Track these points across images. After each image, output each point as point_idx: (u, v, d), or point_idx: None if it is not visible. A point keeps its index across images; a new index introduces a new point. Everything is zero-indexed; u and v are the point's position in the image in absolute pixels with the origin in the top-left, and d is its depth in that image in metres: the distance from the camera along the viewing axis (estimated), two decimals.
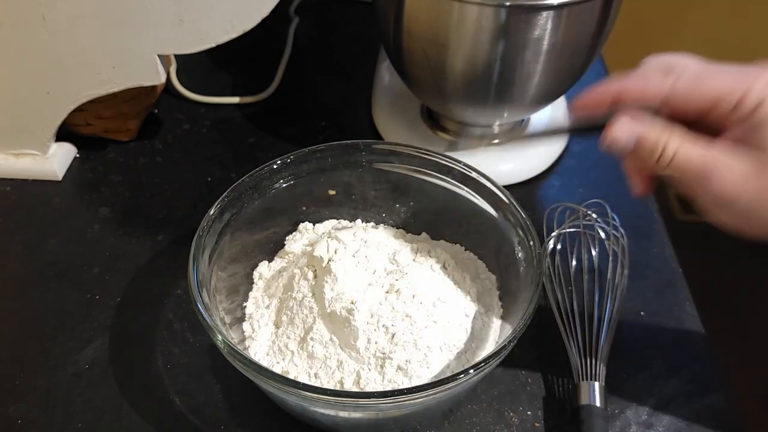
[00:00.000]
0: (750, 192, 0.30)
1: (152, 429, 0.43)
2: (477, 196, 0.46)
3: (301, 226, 0.51)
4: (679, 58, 0.34)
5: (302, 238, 0.50)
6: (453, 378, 0.35)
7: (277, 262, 0.49)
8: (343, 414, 0.38)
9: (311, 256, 0.45)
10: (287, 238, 0.50)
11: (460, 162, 0.47)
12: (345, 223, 0.52)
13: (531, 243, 0.42)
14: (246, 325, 0.45)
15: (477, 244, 0.49)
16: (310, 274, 0.44)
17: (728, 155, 0.31)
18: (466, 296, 0.45)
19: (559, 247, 0.53)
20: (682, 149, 0.32)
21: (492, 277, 0.47)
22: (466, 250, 0.49)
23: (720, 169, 0.31)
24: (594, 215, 0.51)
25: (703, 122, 0.33)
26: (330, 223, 0.51)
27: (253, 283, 0.48)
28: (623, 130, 0.33)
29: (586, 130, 0.37)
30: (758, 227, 0.32)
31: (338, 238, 0.45)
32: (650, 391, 0.45)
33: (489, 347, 0.43)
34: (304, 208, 0.50)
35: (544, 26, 0.47)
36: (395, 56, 0.55)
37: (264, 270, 0.48)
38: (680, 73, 0.33)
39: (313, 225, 0.51)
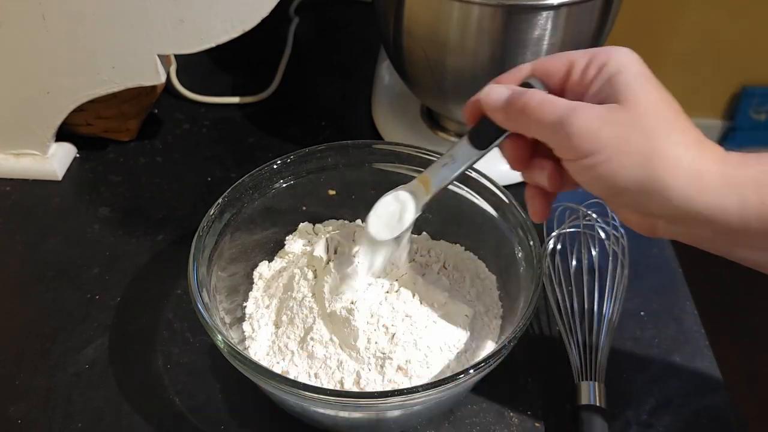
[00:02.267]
0: (603, 138, 0.30)
1: (152, 429, 0.43)
2: (477, 196, 0.46)
3: (301, 226, 0.51)
4: None
5: (302, 238, 0.50)
6: (453, 378, 0.35)
7: (277, 262, 0.49)
8: (343, 414, 0.38)
9: (311, 256, 0.45)
10: (287, 238, 0.50)
11: None
12: (345, 223, 0.52)
13: (531, 243, 0.42)
14: (246, 325, 0.45)
15: (477, 244, 0.49)
16: (310, 274, 0.44)
17: (585, 104, 0.32)
18: (466, 296, 0.45)
19: (559, 247, 0.53)
20: (547, 98, 0.33)
21: (492, 277, 0.47)
22: (466, 250, 0.49)
23: (576, 112, 0.31)
24: (594, 215, 0.51)
25: (566, 96, 0.34)
26: (330, 223, 0.51)
27: (253, 283, 0.48)
28: (499, 85, 0.35)
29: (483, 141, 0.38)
30: (614, 190, 0.31)
31: (338, 238, 0.45)
32: (650, 391, 0.45)
33: (489, 347, 0.43)
34: (304, 208, 0.50)
35: (544, 26, 0.47)
36: (395, 56, 0.55)
37: (264, 270, 0.48)
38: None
39: (313, 225, 0.51)
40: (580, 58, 0.34)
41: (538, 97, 0.33)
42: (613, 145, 0.30)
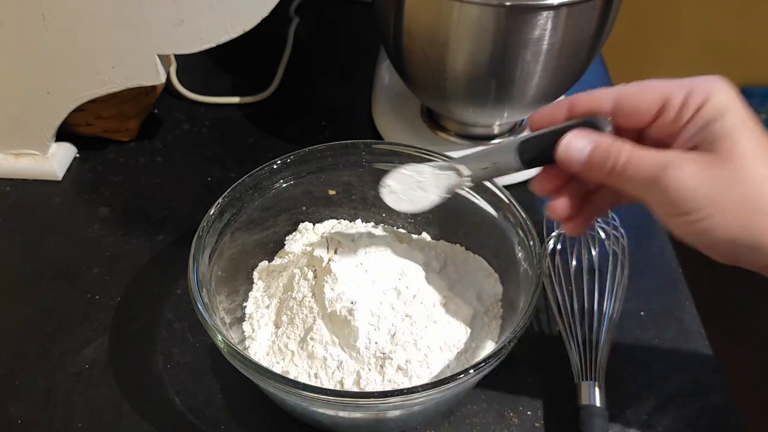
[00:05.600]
0: (703, 195, 0.29)
1: (152, 429, 0.43)
2: (477, 196, 0.46)
3: (301, 226, 0.51)
4: None
5: (302, 238, 0.50)
6: (453, 378, 0.35)
7: (277, 262, 0.49)
8: (343, 414, 0.38)
9: (311, 256, 0.45)
10: (287, 238, 0.50)
11: None
12: (345, 223, 0.52)
13: (531, 243, 0.42)
14: (246, 325, 0.45)
15: (477, 244, 0.49)
16: (310, 274, 0.44)
17: (680, 156, 0.30)
18: (466, 296, 0.45)
19: (559, 247, 0.53)
20: (635, 154, 0.31)
21: (492, 277, 0.47)
22: (466, 250, 0.49)
23: (672, 167, 0.29)
24: None
25: (649, 135, 0.33)
26: (330, 223, 0.51)
27: (253, 283, 0.48)
28: (578, 137, 0.32)
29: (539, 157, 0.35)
30: (711, 242, 0.30)
31: (338, 238, 0.45)
32: (650, 391, 0.45)
33: (489, 347, 0.43)
34: (304, 208, 0.50)
35: (544, 26, 0.47)
36: (395, 56, 0.55)
37: (264, 270, 0.48)
38: (626, 84, 0.33)
39: (313, 225, 0.51)
40: (675, 93, 0.31)
41: (624, 153, 0.31)
42: (713, 202, 0.29)
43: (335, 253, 0.44)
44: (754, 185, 0.29)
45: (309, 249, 0.47)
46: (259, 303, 0.46)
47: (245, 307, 0.46)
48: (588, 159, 0.32)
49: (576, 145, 0.32)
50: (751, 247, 0.29)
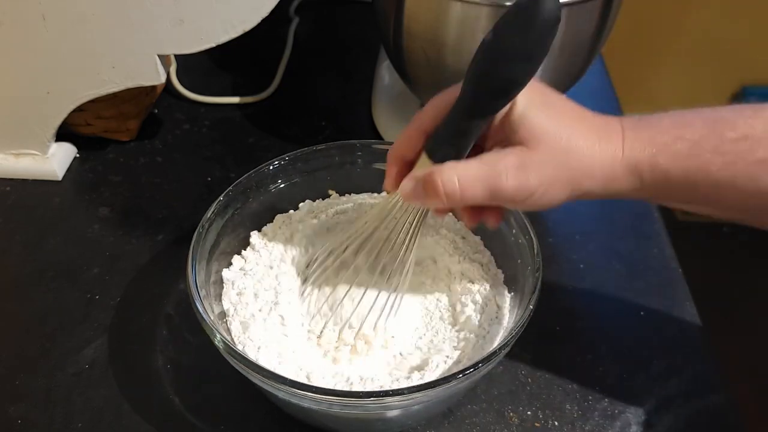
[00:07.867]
0: (534, 182, 0.33)
1: (152, 429, 0.43)
2: None
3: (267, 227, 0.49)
4: None
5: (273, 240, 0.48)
6: (452, 378, 0.35)
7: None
8: (342, 413, 0.38)
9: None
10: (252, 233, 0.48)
11: None
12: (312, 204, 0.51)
13: (531, 246, 0.42)
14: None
15: (477, 245, 0.49)
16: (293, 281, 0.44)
17: (499, 158, 0.34)
18: (467, 296, 0.45)
19: None
20: (461, 176, 0.34)
21: (494, 277, 0.47)
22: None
23: (502, 175, 0.33)
24: None
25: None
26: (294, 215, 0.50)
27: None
28: (405, 188, 0.37)
29: None
30: (549, 206, 0.35)
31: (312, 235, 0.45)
32: (650, 391, 0.45)
33: (489, 347, 0.43)
34: None
35: None
36: (395, 56, 0.55)
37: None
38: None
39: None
40: None
41: (450, 184, 0.34)
42: (543, 183, 0.33)
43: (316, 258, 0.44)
44: (566, 155, 0.33)
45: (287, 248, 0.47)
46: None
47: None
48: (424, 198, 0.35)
49: (407, 191, 0.37)
50: (580, 197, 0.35)
